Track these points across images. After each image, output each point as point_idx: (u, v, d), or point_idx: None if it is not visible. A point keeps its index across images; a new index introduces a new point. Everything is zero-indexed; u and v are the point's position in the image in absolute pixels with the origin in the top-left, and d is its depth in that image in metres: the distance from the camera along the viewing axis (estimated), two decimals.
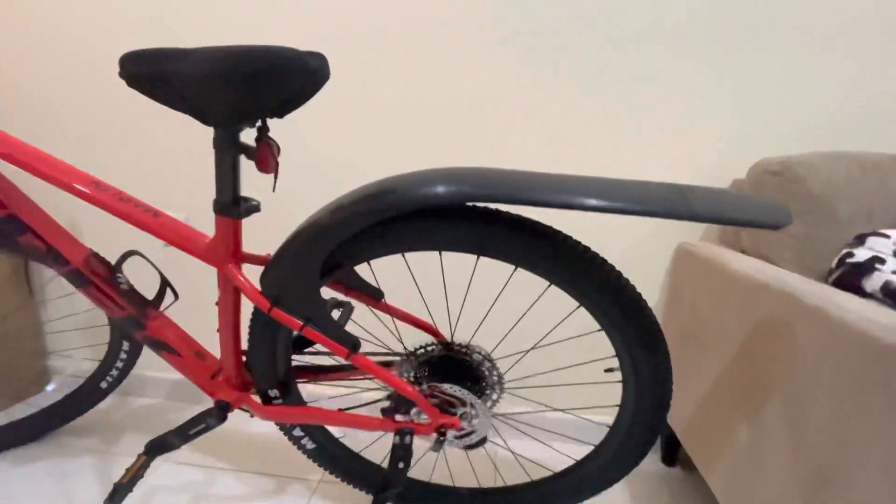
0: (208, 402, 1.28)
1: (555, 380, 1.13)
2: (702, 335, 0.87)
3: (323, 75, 0.58)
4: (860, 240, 0.69)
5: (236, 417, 1.21)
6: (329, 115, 1.05)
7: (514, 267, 0.85)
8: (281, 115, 0.58)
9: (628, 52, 0.95)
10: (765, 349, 0.68)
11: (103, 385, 1.08)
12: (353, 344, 0.66)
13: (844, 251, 0.69)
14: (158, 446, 0.75)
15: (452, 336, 0.78)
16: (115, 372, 1.06)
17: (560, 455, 1.11)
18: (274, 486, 0.98)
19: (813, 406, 0.58)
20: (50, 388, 1.29)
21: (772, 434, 0.65)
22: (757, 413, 0.69)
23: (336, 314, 0.78)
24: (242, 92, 0.54)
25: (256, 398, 0.78)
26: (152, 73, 0.55)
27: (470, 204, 0.61)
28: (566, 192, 0.51)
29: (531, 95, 0.99)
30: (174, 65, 0.53)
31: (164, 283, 0.78)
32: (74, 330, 1.28)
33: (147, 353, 1.23)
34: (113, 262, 0.78)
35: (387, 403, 0.73)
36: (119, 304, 0.75)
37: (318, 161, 1.08)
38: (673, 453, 1.09)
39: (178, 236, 0.67)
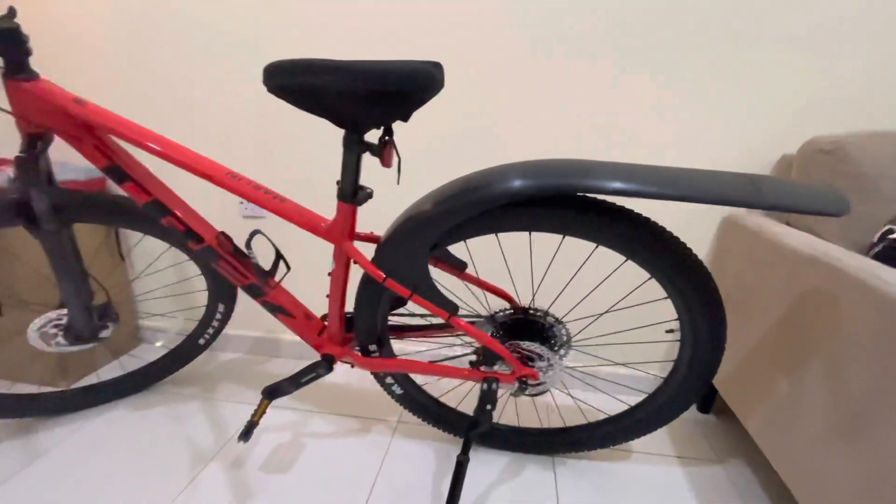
0: (286, 356, 1.44)
1: (621, 339, 1.24)
2: (746, 302, 0.97)
3: (441, 84, 0.66)
4: None
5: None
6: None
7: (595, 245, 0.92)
8: (406, 120, 0.67)
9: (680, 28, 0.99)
10: (810, 316, 0.78)
11: (201, 342, 1.23)
12: (453, 308, 0.78)
13: (886, 227, 0.77)
14: (275, 391, 0.88)
15: (532, 302, 0.89)
16: (210, 330, 1.20)
17: (618, 403, 1.25)
18: (359, 425, 1.14)
19: (852, 364, 0.68)
20: (159, 343, 1.45)
21: (812, 386, 0.76)
22: (798, 369, 0.80)
23: None
24: (387, 105, 0.62)
25: (356, 351, 0.91)
26: (302, 85, 0.63)
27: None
28: (640, 182, 0.59)
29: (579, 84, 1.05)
30: (324, 78, 0.61)
31: (279, 257, 0.89)
32: (163, 297, 1.43)
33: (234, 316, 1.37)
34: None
35: (474, 357, 0.86)
36: (244, 274, 0.87)
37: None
38: (709, 402, 1.22)
39: (301, 218, 0.78)
